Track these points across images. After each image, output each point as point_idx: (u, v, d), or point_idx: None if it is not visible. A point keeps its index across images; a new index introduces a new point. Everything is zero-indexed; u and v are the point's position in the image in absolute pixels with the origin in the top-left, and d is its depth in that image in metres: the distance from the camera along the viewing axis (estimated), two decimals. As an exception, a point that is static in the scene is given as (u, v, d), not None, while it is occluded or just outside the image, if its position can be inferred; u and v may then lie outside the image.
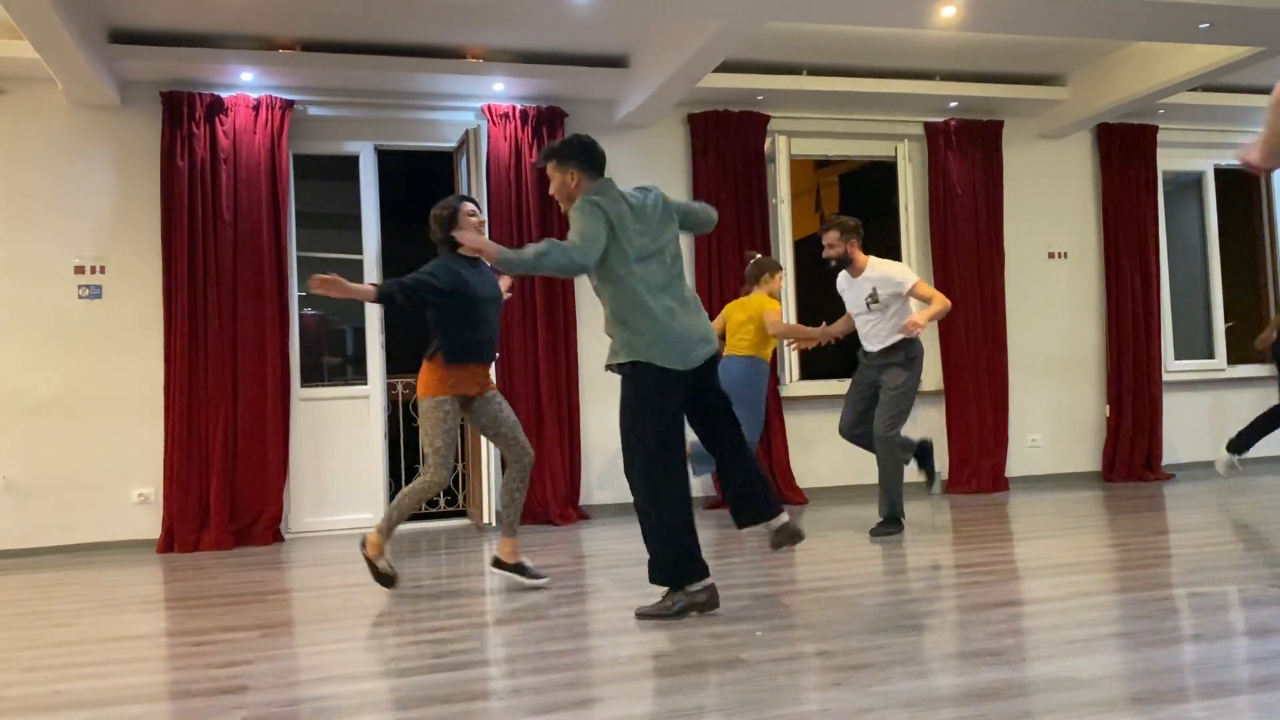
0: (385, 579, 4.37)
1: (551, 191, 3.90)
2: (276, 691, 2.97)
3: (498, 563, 4.48)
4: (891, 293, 5.56)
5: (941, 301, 5.54)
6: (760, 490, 3.84)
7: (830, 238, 5.64)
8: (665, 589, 3.74)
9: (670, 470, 3.71)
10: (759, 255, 6.40)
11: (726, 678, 2.89)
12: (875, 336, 5.64)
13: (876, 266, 5.63)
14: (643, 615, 3.72)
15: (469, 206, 4.38)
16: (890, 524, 5.58)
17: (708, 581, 3.71)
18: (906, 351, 5.58)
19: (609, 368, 3.86)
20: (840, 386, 7.62)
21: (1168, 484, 7.76)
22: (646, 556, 3.75)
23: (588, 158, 3.81)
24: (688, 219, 3.99)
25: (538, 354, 6.87)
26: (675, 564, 3.68)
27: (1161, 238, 8.39)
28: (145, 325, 6.42)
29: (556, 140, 3.87)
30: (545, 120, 6.99)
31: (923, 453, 5.86)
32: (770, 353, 6.14)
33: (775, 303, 6.11)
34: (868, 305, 5.62)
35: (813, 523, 6.25)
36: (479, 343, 4.35)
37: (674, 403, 3.76)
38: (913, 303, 5.61)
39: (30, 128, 6.34)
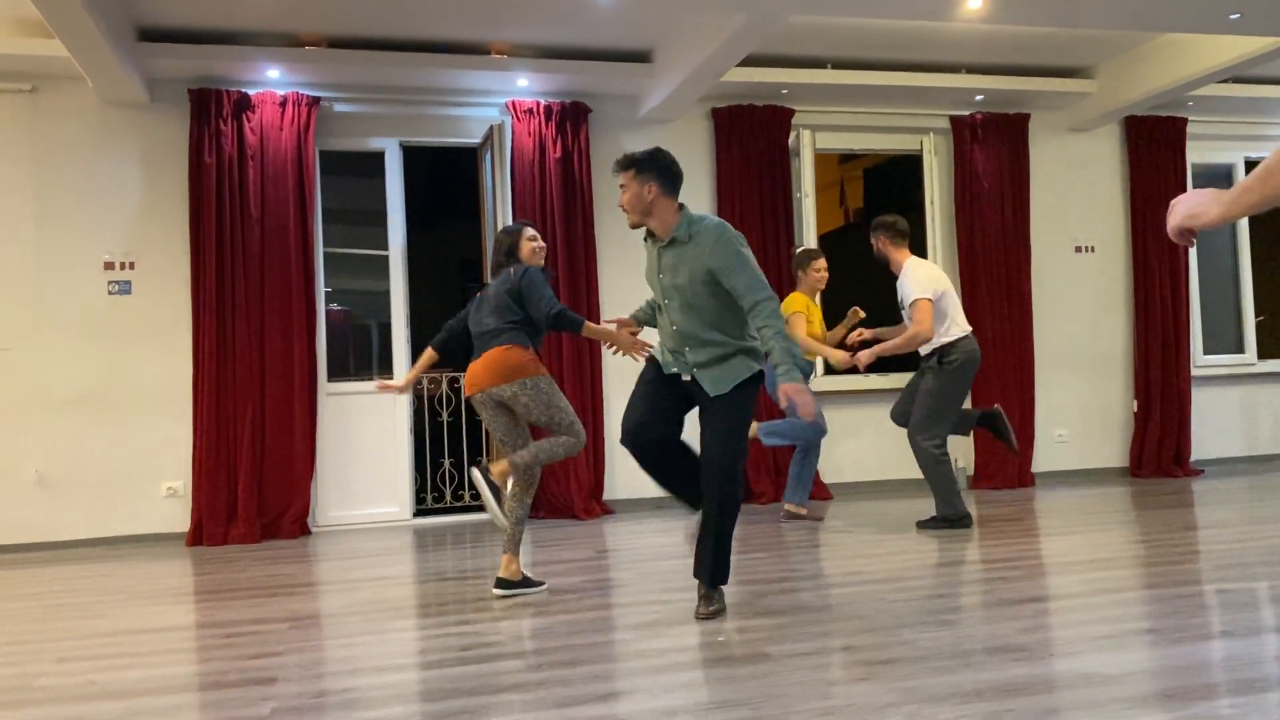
0: (494, 491, 4.18)
1: (623, 201, 3.72)
2: (305, 683, 3.00)
3: (484, 469, 4.23)
4: (904, 300, 5.52)
5: (909, 334, 5.40)
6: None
7: (871, 236, 5.72)
8: (717, 589, 3.73)
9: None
10: (801, 248, 6.37)
11: (752, 672, 2.89)
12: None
13: (905, 270, 5.56)
14: (707, 617, 3.64)
15: (530, 231, 4.43)
16: (937, 521, 5.54)
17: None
18: (942, 356, 5.48)
19: (733, 388, 3.65)
20: (864, 382, 7.61)
21: (1196, 480, 7.69)
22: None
23: (669, 176, 3.69)
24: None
25: (561, 349, 6.89)
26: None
27: (1191, 231, 8.29)
28: (174, 320, 6.49)
29: (638, 151, 3.76)
30: (569, 115, 7.00)
31: (989, 419, 5.67)
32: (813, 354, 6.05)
33: (796, 303, 5.99)
34: (901, 307, 5.59)
35: (838, 518, 6.24)
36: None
37: None
38: (944, 314, 5.48)
39: (61, 125, 6.41)
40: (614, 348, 4.17)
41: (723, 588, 3.76)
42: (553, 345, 6.90)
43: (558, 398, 4.23)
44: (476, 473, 4.23)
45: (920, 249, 7.88)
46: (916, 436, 5.52)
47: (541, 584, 4.31)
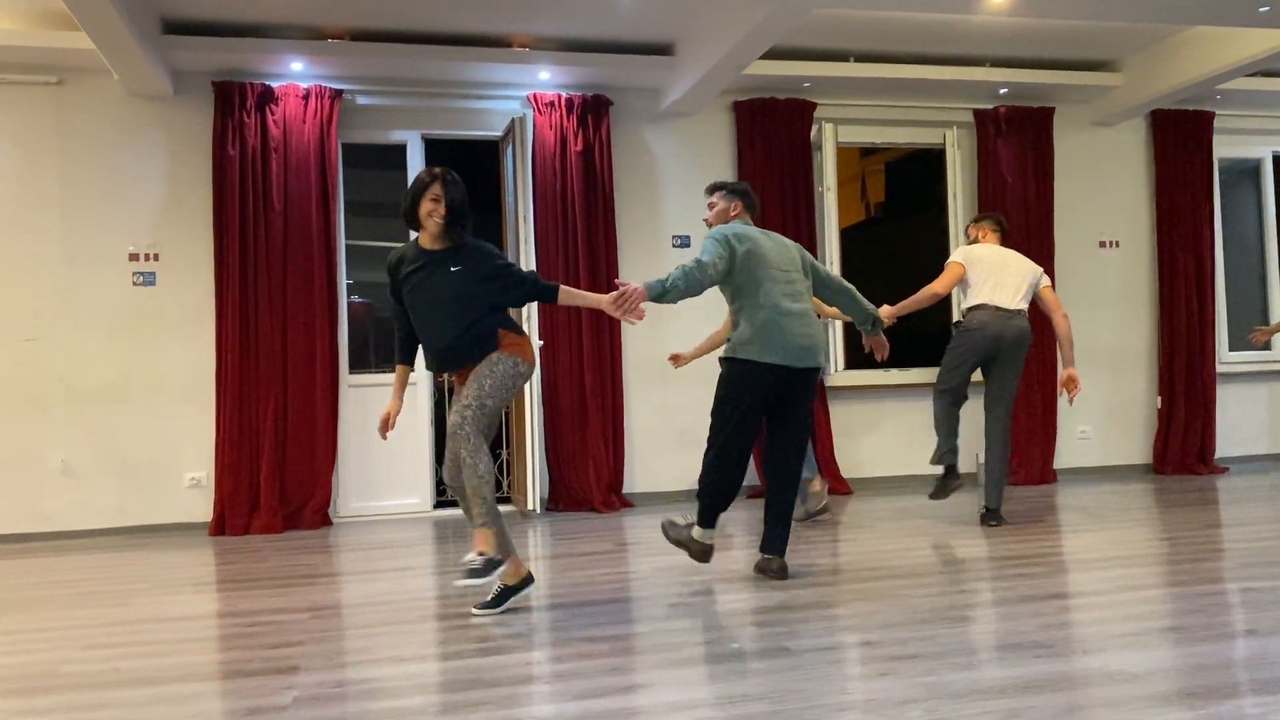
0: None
1: (711, 216, 4.50)
2: (326, 673, 3.02)
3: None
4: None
5: (926, 288, 5.54)
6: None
7: (969, 230, 6.00)
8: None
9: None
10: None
11: (771, 666, 2.89)
12: None
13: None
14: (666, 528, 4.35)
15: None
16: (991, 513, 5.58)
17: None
18: (957, 322, 5.70)
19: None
20: (886, 376, 7.58)
21: (1221, 477, 7.63)
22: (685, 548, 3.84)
23: (749, 200, 4.52)
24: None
25: (582, 342, 6.89)
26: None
27: (1217, 226, 8.23)
28: (197, 312, 6.53)
29: (728, 180, 4.66)
30: (591, 109, 7.00)
31: (948, 471, 5.66)
32: None
33: None
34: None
35: (858, 513, 6.22)
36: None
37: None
38: (969, 290, 5.62)
39: (86, 118, 6.46)
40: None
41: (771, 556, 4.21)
42: (573, 335, 6.90)
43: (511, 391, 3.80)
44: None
45: (942, 243, 7.85)
46: (936, 384, 5.67)
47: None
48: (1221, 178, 8.38)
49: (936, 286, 5.54)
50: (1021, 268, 5.62)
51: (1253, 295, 8.62)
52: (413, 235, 3.99)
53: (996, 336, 5.48)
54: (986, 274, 5.57)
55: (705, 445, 4.19)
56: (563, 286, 3.90)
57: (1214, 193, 8.21)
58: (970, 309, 5.58)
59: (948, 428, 5.61)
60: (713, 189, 4.53)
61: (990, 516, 5.51)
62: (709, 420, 4.19)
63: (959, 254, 5.67)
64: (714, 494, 4.15)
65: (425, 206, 3.82)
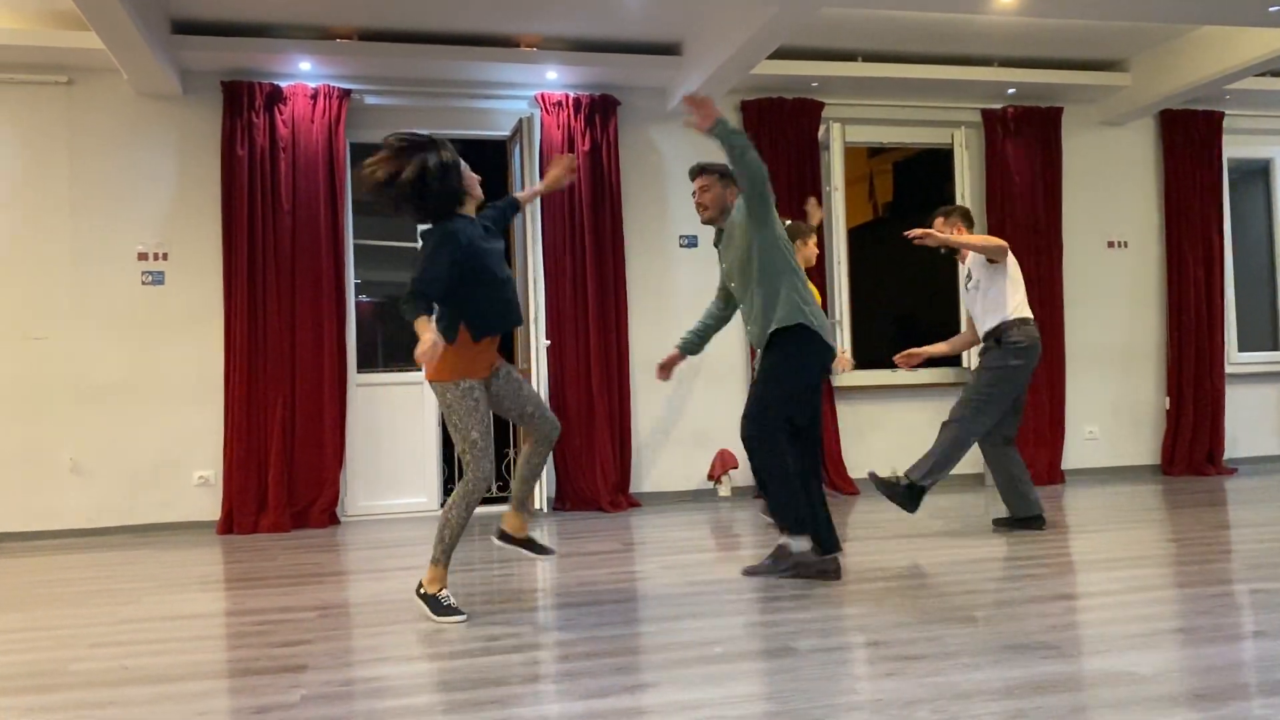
0: (454, 613, 3.66)
1: (707, 199, 4.28)
2: (334, 671, 3.03)
3: (504, 536, 3.95)
4: (979, 262, 5.22)
5: (980, 238, 5.18)
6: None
7: (938, 225, 5.39)
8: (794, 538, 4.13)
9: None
10: (788, 222, 6.01)
11: (778, 666, 2.89)
12: (979, 321, 5.28)
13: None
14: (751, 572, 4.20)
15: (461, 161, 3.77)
16: (1011, 523, 5.29)
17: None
18: (1002, 338, 5.11)
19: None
20: (893, 377, 7.57)
21: (1230, 478, 7.60)
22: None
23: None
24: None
25: (589, 341, 6.89)
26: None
27: (1226, 226, 8.20)
28: (206, 311, 6.55)
29: (718, 163, 4.31)
30: (598, 108, 7.00)
31: (912, 491, 5.15)
32: None
33: None
34: (967, 288, 5.38)
35: (864, 514, 6.21)
36: (505, 305, 3.73)
37: None
38: (1008, 284, 5.16)
39: (96, 117, 6.49)
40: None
41: (790, 545, 4.12)
42: (580, 334, 6.90)
43: (461, 413, 3.62)
44: (502, 545, 3.97)
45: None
46: (951, 420, 5.11)
47: (549, 551, 4.07)
48: (1231, 178, 8.35)
49: (994, 240, 5.10)
50: None
51: (1262, 295, 8.59)
52: (422, 228, 3.93)
53: (1039, 351, 5.18)
54: (1020, 278, 5.22)
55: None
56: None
57: (1223, 193, 8.18)
58: (1022, 321, 5.11)
59: (1019, 477, 5.21)
60: (705, 170, 4.30)
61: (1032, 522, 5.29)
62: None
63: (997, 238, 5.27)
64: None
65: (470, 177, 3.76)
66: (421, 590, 3.71)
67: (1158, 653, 2.90)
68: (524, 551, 3.98)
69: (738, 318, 4.70)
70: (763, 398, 4.09)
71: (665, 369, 4.52)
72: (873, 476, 5.11)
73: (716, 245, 4.38)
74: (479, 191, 3.80)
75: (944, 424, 5.16)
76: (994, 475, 5.32)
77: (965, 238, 5.18)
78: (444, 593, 3.70)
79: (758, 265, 4.12)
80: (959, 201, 7.85)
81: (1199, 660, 2.81)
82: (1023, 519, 5.27)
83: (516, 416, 3.86)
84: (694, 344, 4.53)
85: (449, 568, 3.84)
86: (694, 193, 4.34)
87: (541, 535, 5.75)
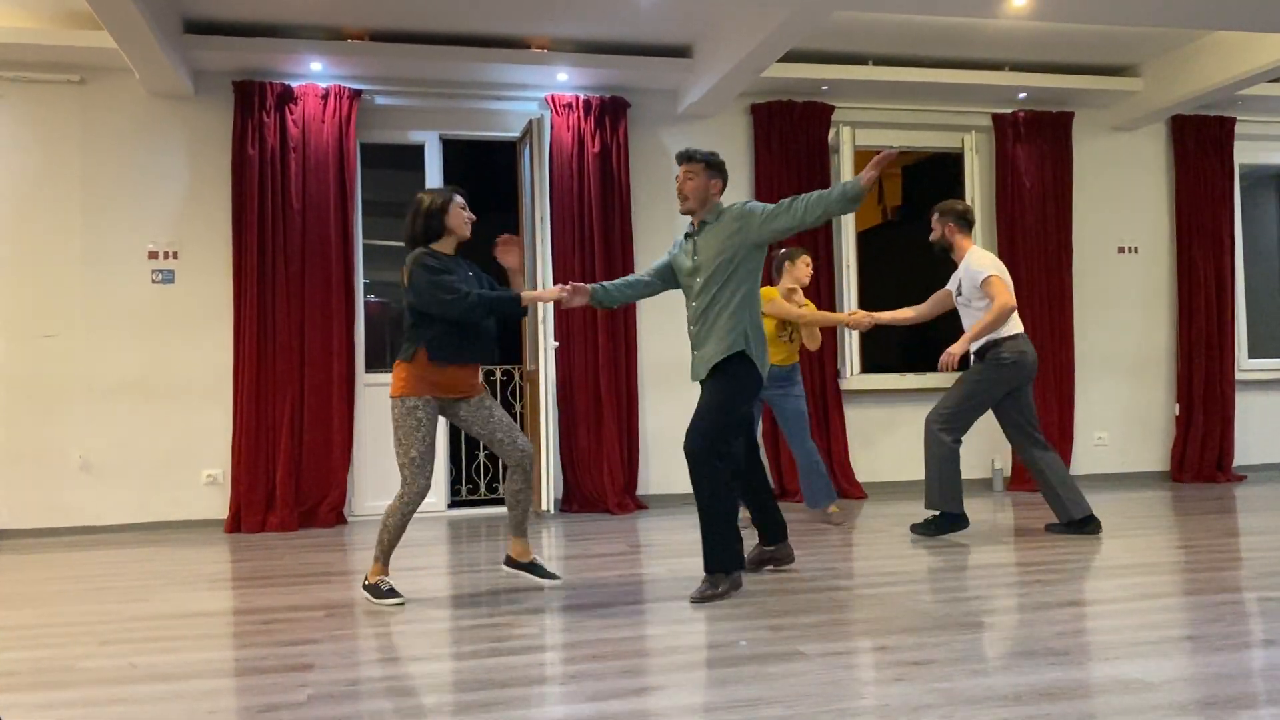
0: (392, 595, 3.99)
1: (688, 188, 4.12)
2: (341, 671, 3.03)
3: (510, 561, 4.22)
4: (971, 285, 5.18)
5: (995, 311, 5.03)
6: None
7: (932, 220, 5.39)
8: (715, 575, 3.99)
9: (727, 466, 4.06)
10: (782, 250, 5.93)
11: (786, 670, 2.88)
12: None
13: (970, 255, 5.27)
14: (699, 600, 3.88)
15: (460, 199, 4.11)
16: (928, 524, 5.29)
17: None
18: (991, 354, 5.18)
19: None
20: (901, 380, 7.56)
21: (1239, 485, 7.57)
22: (702, 545, 3.84)
23: (725, 180, 4.21)
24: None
25: (597, 344, 6.90)
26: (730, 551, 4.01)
27: (1237, 233, 8.17)
28: (216, 310, 6.57)
29: (709, 150, 4.19)
30: (609, 110, 7.01)
31: (947, 521, 5.28)
32: (783, 355, 5.75)
33: (772, 290, 5.68)
34: (956, 299, 5.34)
35: (872, 518, 6.20)
36: (474, 339, 4.02)
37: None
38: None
39: (107, 116, 6.51)
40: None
41: (736, 574, 4.00)
42: (589, 337, 6.90)
43: (405, 430, 3.90)
44: (508, 569, 4.24)
45: (960, 248, 7.80)
46: (935, 425, 5.21)
47: (555, 576, 4.22)
48: (1242, 184, 8.32)
49: (1005, 302, 5.02)
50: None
51: (1273, 302, 8.57)
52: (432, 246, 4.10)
53: (1033, 366, 5.19)
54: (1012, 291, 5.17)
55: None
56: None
57: (1234, 199, 8.15)
58: (1008, 338, 5.16)
59: (957, 481, 5.21)
60: (691, 158, 4.11)
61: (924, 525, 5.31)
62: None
63: (995, 267, 5.16)
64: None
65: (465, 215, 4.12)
66: (365, 583, 4.07)
67: (1166, 660, 2.89)
68: (530, 577, 4.22)
69: None
70: (715, 423, 3.95)
71: (572, 291, 4.14)
72: (914, 528, 5.38)
73: (690, 237, 4.17)
74: (466, 232, 4.10)
75: (924, 436, 5.30)
76: (1040, 487, 5.35)
77: (976, 328, 5.07)
78: (382, 579, 4.04)
79: (734, 280, 4.02)
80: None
81: (1208, 668, 2.80)
82: (1068, 524, 5.28)
83: (487, 441, 4.11)
84: (609, 298, 4.25)
85: (388, 565, 4.08)
86: (677, 177, 4.17)
87: (548, 546, 5.76)
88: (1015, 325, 5.22)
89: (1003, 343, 5.18)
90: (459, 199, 4.09)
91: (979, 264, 5.19)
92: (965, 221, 5.34)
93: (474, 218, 4.14)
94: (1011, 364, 5.15)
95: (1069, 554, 4.74)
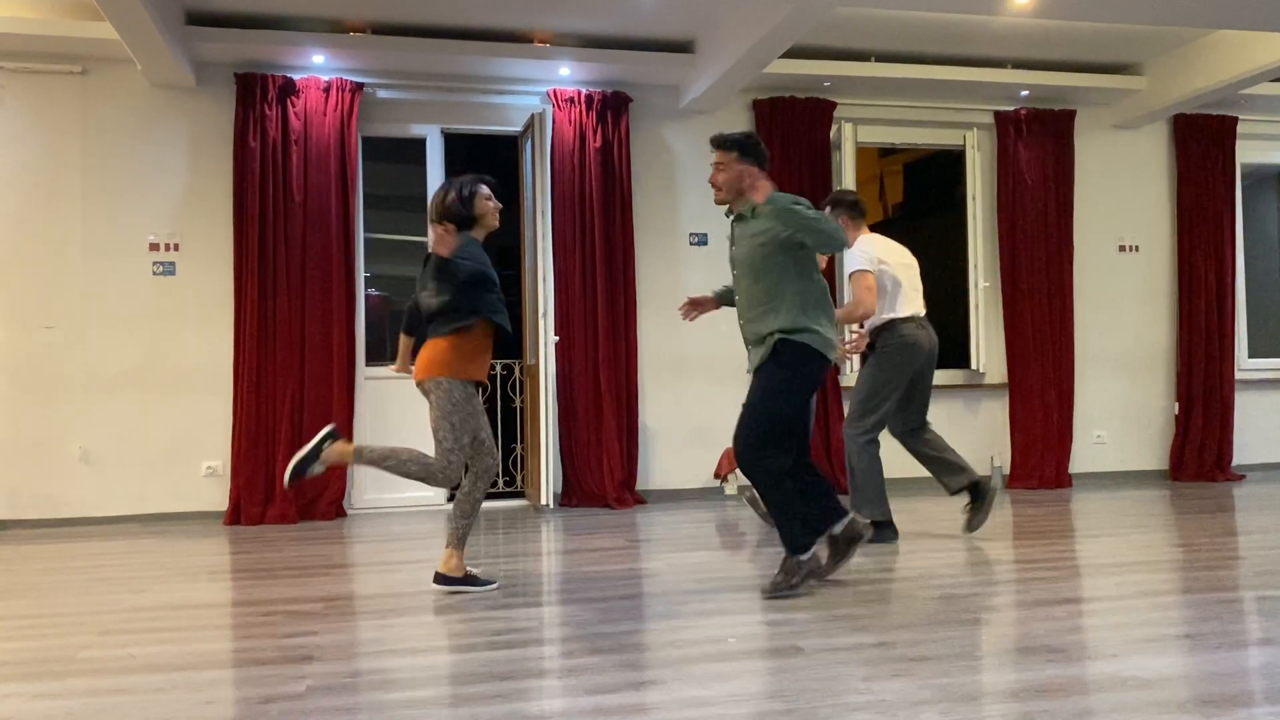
0: (485, 582, 4.07)
1: (720, 179, 3.90)
2: (340, 663, 3.04)
3: (441, 579, 4.05)
4: (849, 272, 4.97)
5: (845, 308, 4.84)
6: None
7: (826, 211, 4.95)
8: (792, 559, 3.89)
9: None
10: None
11: (784, 665, 2.89)
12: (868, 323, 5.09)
13: (855, 244, 5.01)
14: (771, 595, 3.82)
15: (485, 189, 4.10)
16: (967, 495, 5.15)
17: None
18: (874, 341, 5.03)
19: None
20: (901, 377, 7.54)
21: (1238, 485, 7.58)
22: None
23: (763, 164, 3.91)
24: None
25: (598, 338, 6.90)
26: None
27: (1238, 232, 8.17)
28: (216, 302, 6.57)
29: (739, 132, 3.95)
30: (610, 105, 7.00)
31: (977, 489, 5.18)
32: None
33: None
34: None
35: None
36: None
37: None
38: (900, 291, 5.00)
39: (109, 107, 6.51)
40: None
41: (812, 558, 3.89)
42: (589, 331, 6.91)
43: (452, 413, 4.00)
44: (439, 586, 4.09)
45: (961, 245, 7.80)
46: (847, 432, 5.03)
47: (491, 583, 4.11)
48: (1244, 183, 8.32)
49: (863, 303, 4.81)
50: (915, 262, 5.14)
51: (1273, 302, 8.57)
52: (433, 238, 4.05)
53: (929, 353, 5.00)
54: (895, 279, 4.98)
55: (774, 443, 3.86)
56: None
57: (1236, 198, 8.15)
58: (893, 322, 4.97)
59: (881, 482, 5.02)
60: (724, 144, 3.88)
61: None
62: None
63: (864, 261, 4.91)
64: None
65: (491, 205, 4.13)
66: (442, 571, 4.06)
67: (1164, 658, 2.89)
68: (468, 588, 4.04)
69: None
70: (758, 424, 3.85)
71: (695, 305, 4.18)
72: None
73: (733, 227, 4.01)
74: (494, 221, 4.13)
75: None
76: (925, 466, 5.25)
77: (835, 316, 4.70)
78: (470, 569, 4.15)
79: (774, 267, 3.83)
80: (969, 204, 7.82)
81: (1205, 666, 2.81)
82: (962, 487, 5.15)
83: (471, 432, 4.13)
84: (729, 294, 4.19)
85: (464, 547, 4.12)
86: (711, 165, 3.98)
87: (547, 540, 5.76)
88: (904, 309, 5.00)
89: (893, 327, 4.98)
90: (484, 189, 4.09)
91: (855, 255, 4.97)
92: (857, 211, 5.14)
93: (500, 206, 4.13)
94: (900, 349, 4.96)
95: (1067, 551, 4.75)
